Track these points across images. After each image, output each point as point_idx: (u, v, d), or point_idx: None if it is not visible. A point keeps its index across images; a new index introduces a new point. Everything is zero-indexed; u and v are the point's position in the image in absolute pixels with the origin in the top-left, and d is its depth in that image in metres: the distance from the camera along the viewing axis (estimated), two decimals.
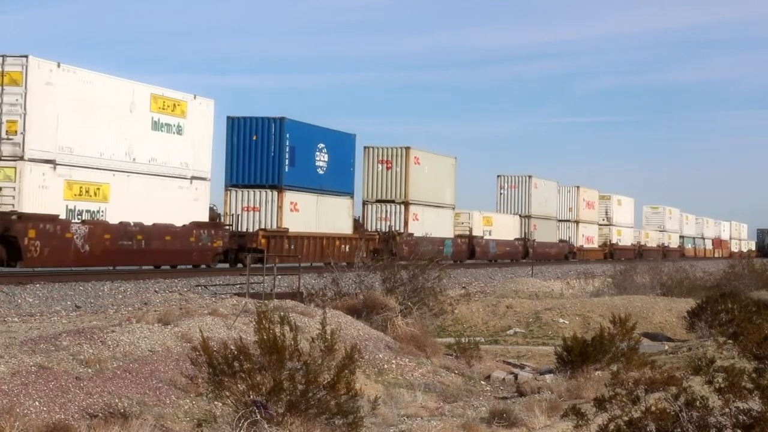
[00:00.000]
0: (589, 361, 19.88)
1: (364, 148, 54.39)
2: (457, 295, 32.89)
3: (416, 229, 55.24)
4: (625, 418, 10.41)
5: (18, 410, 12.55)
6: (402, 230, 53.76)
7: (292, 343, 12.59)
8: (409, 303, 24.92)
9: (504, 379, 21.67)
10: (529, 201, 75.03)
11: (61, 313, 21.25)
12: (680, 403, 10.25)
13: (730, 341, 21.12)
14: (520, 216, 74.16)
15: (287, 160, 43.34)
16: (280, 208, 42.85)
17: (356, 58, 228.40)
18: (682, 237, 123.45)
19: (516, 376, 21.65)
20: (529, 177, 75.30)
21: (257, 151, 43.29)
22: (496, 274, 49.77)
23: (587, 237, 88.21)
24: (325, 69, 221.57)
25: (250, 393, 12.43)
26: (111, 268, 33.68)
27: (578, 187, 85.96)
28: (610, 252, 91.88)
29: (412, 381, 20.10)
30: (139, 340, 16.81)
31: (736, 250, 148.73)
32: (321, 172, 46.39)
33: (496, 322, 30.72)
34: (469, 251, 63.53)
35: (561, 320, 30.50)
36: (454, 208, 61.92)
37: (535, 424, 15.06)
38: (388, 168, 54.81)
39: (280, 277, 29.60)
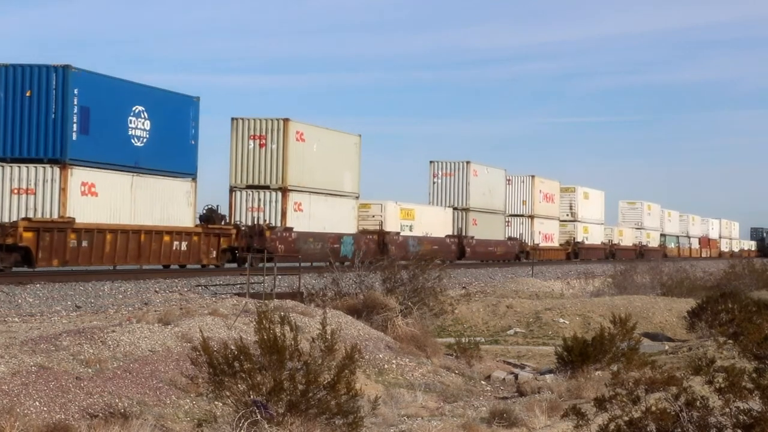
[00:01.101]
0: (589, 361, 19.89)
1: (232, 119, 43.60)
2: (457, 295, 32.94)
3: (300, 222, 43.85)
4: (626, 418, 10.41)
5: (18, 410, 12.55)
6: (278, 223, 42.52)
7: (293, 343, 12.59)
8: (410, 303, 24.93)
9: (504, 379, 21.68)
10: (466, 191, 62.37)
11: (61, 313, 21.26)
12: (680, 403, 10.25)
13: (731, 341, 21.12)
14: (454, 209, 61.56)
15: (75, 126, 31.80)
16: (63, 190, 31.11)
17: (356, 58, 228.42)
18: (663, 235, 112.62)
19: (516, 376, 21.66)
20: (467, 163, 62.68)
21: (32, 113, 31.76)
22: (497, 274, 49.76)
23: (545, 234, 76.43)
24: (326, 69, 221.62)
25: (251, 393, 12.44)
26: (112, 267, 33.68)
27: (533, 176, 74.11)
28: (574, 251, 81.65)
29: (413, 381, 20.10)
30: (140, 340, 16.81)
31: (726, 250, 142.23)
32: (138, 143, 35.02)
33: (497, 322, 30.72)
34: (380, 250, 49.12)
35: (561, 320, 30.51)
36: (357, 198, 49.56)
37: (536, 424, 15.07)
38: (261, 145, 43.09)
39: (280, 277, 29.63)
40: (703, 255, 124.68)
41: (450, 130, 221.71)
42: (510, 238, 70.09)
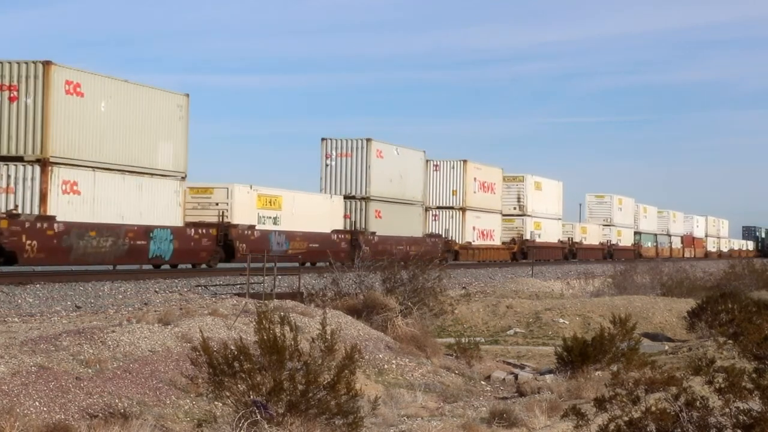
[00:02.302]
0: (589, 361, 19.89)
1: None
2: (457, 295, 32.94)
3: (75, 208, 31.48)
4: (626, 419, 10.41)
5: (18, 410, 12.55)
6: (34, 210, 30.05)
7: (292, 343, 12.59)
8: (409, 303, 24.93)
9: (504, 379, 21.67)
10: (367, 176, 49.16)
11: (61, 313, 21.26)
12: (680, 404, 10.25)
13: (730, 341, 21.14)
14: (346, 197, 48.83)
15: None
16: None
17: (356, 58, 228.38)
18: (638, 233, 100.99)
19: (516, 376, 21.65)
20: (368, 140, 49.18)
21: None
22: (496, 274, 49.75)
23: (482, 231, 62.96)
24: (326, 69, 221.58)
25: (250, 393, 12.44)
26: (111, 267, 33.63)
27: (466, 161, 60.98)
28: (521, 250, 68.74)
29: (412, 381, 20.10)
30: (139, 341, 16.81)
31: (713, 249, 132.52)
32: None
33: (496, 322, 30.71)
34: (224, 248, 39.02)
35: (561, 320, 30.50)
36: (183, 178, 37.32)
37: (535, 424, 15.06)
38: (11, 99, 30.40)
39: (280, 277, 29.60)
40: (687, 255, 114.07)
41: (450, 130, 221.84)
42: (431, 235, 56.60)
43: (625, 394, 10.78)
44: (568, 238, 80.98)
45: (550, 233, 74.88)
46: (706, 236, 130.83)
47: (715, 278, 48.71)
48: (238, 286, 29.04)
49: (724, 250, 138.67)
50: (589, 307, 32.01)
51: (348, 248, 46.06)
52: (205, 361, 12.68)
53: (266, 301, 21.95)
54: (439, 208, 60.40)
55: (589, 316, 30.69)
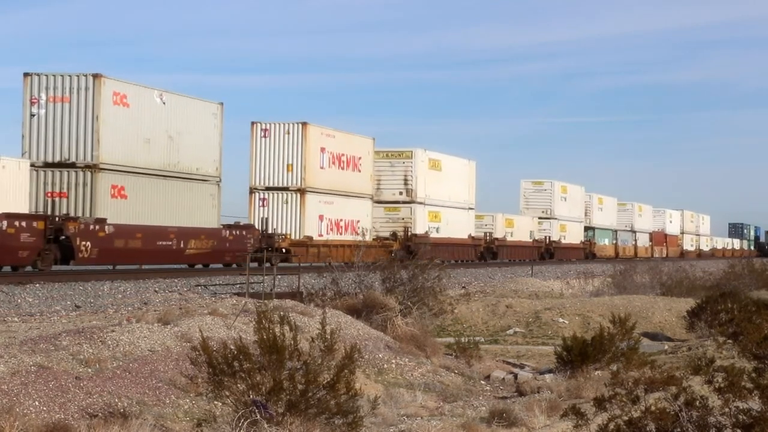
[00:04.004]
0: (588, 360, 19.89)
1: None
2: (456, 294, 32.93)
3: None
4: (625, 418, 10.41)
5: (18, 410, 12.54)
6: None
7: (292, 342, 12.59)
8: (409, 303, 24.93)
9: (504, 378, 21.67)
10: (93, 130, 33.70)
11: (60, 312, 21.26)
12: (680, 403, 10.25)
13: (730, 341, 21.18)
14: (52, 165, 33.74)
15: None
16: None
17: (356, 58, 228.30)
18: (591, 229, 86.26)
19: (516, 376, 21.65)
20: (96, 77, 33.67)
21: None
22: (496, 274, 49.72)
23: (337, 222, 47.07)
24: (325, 69, 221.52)
25: (250, 393, 12.43)
26: (111, 267, 33.59)
27: (306, 124, 44.40)
28: (407, 248, 50.28)
29: (412, 381, 20.10)
30: (139, 340, 16.81)
31: (691, 248, 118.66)
32: None
33: (496, 322, 30.70)
34: None
35: (561, 320, 30.49)
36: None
37: (535, 424, 15.06)
38: None
39: (279, 277, 29.59)
40: (657, 255, 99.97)
41: (450, 129, 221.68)
42: (235, 226, 40.72)
43: (625, 394, 10.77)
44: (486, 234, 66.22)
45: (456, 227, 58.81)
46: (682, 233, 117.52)
47: (714, 278, 48.71)
48: (237, 286, 29.05)
49: (705, 248, 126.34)
50: (588, 306, 32.00)
51: (39, 246, 30.68)
52: (205, 360, 12.68)
53: (266, 301, 21.94)
54: (268, 189, 44.13)
55: (589, 315, 30.68)
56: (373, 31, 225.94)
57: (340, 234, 47.36)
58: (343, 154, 47.58)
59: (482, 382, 21.47)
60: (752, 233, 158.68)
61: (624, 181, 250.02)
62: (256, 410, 12.19)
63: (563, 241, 78.52)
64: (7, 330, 17.49)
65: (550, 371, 21.27)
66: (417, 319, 24.39)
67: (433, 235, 55.68)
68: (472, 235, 62.16)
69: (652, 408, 10.35)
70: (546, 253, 75.34)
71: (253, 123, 44.52)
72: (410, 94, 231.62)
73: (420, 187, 54.53)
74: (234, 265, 38.29)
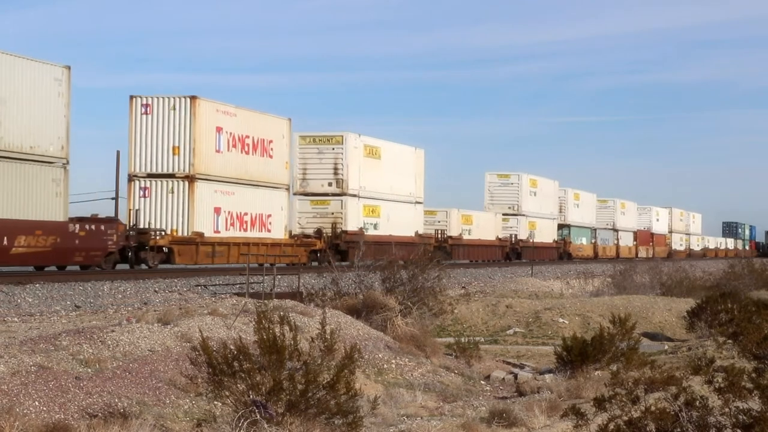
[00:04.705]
0: (588, 360, 19.90)
1: None
2: (456, 294, 32.93)
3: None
4: (625, 418, 10.41)
5: (18, 410, 12.55)
6: None
7: (292, 342, 12.59)
8: (409, 303, 24.92)
9: (504, 378, 21.68)
10: None
11: (60, 312, 21.26)
12: (680, 403, 10.25)
13: (730, 341, 21.19)
14: None
15: None
16: None
17: (357, 58, 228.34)
18: (565, 226, 79.49)
19: (516, 376, 21.66)
20: None
21: None
22: (496, 274, 49.70)
23: (240, 216, 40.05)
24: (325, 69, 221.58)
25: (250, 393, 12.43)
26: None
27: (195, 98, 37.35)
28: (334, 246, 44.20)
29: (412, 381, 20.10)
30: (139, 340, 16.81)
31: (680, 248, 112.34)
32: None
33: (496, 322, 30.70)
34: None
35: (561, 320, 30.49)
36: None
37: (535, 424, 15.06)
38: None
39: (279, 277, 29.59)
40: (642, 255, 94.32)
41: (450, 129, 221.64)
42: (86, 220, 33.34)
43: (625, 394, 10.77)
44: (438, 231, 59.24)
45: (399, 223, 51.46)
46: (671, 232, 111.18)
47: (714, 278, 48.73)
48: (237, 286, 29.03)
49: (696, 248, 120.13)
50: (588, 306, 32.01)
51: None
52: (205, 360, 12.68)
53: (266, 301, 21.94)
54: (151, 176, 37.34)
55: (589, 315, 30.69)
56: (372, 31, 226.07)
57: (245, 230, 39.77)
58: (248, 136, 40.41)
59: (482, 382, 21.47)
60: (747, 233, 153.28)
61: (624, 181, 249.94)
62: (256, 410, 12.19)
63: (532, 240, 71.03)
64: (7, 330, 17.49)
65: (550, 371, 21.28)
66: (417, 319, 24.39)
67: (371, 232, 48.06)
68: (420, 232, 54.16)
69: (652, 408, 10.35)
70: (512, 253, 68.73)
71: (132, 97, 37.11)
72: (410, 93, 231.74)
73: (353, 177, 47.04)
74: (95, 268, 32.44)
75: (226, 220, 38.88)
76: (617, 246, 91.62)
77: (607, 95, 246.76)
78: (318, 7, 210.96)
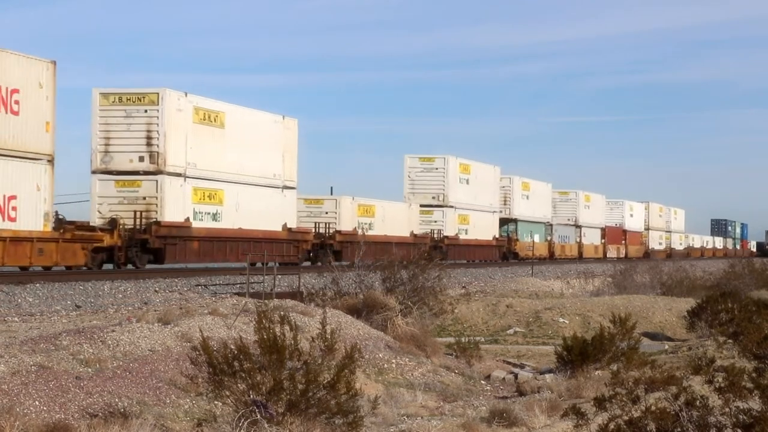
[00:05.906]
0: (589, 360, 19.90)
1: None
2: (457, 294, 32.93)
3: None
4: (625, 418, 10.41)
5: (18, 410, 12.54)
6: None
7: (292, 342, 12.59)
8: (409, 302, 24.92)
9: (504, 378, 21.68)
10: None
11: (61, 312, 21.25)
12: (680, 403, 10.25)
13: (730, 341, 21.21)
14: None
15: None
16: None
17: (357, 58, 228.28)
18: (511, 221, 67.75)
19: (516, 376, 21.66)
20: None
21: None
22: (496, 274, 49.69)
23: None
24: (325, 69, 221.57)
25: (250, 392, 12.43)
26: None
27: (52, 63, 29.05)
28: (141, 243, 34.22)
29: (412, 380, 20.10)
30: (139, 340, 16.80)
31: (659, 248, 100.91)
32: None
33: (496, 322, 30.70)
34: None
35: (561, 320, 30.49)
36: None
37: (535, 424, 15.06)
38: None
39: (280, 276, 29.58)
40: (610, 254, 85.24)
41: (450, 129, 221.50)
42: None
43: (625, 394, 10.77)
44: (317, 225, 46.13)
45: (259, 214, 39.51)
46: (647, 229, 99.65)
47: (715, 278, 48.75)
48: (237, 286, 29.01)
49: (678, 247, 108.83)
50: (588, 306, 32.01)
51: None
52: (205, 360, 12.68)
53: (266, 301, 21.93)
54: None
55: (589, 315, 30.68)
56: (373, 31, 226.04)
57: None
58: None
59: (482, 381, 21.47)
60: (738, 231, 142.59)
61: (623, 181, 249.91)
62: (257, 410, 12.19)
63: (463, 237, 59.54)
64: (7, 330, 17.48)
65: (550, 371, 21.28)
66: (417, 318, 24.39)
67: (208, 224, 36.85)
68: (292, 227, 42.00)
69: (653, 408, 10.35)
70: (435, 251, 49.41)
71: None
72: (409, 93, 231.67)
73: (175, 150, 34.87)
74: None
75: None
76: (580, 244, 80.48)
77: (607, 95, 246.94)
78: (318, 7, 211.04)
